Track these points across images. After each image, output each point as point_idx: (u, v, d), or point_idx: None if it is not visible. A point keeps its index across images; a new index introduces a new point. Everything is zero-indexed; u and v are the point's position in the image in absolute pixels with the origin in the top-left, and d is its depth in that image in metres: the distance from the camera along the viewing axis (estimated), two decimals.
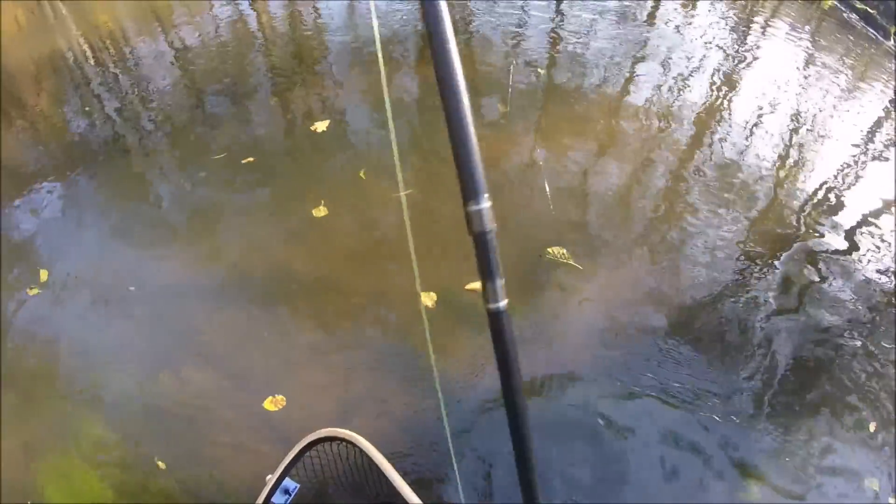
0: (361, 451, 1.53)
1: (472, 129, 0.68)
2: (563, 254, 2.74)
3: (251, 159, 3.44)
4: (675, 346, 2.49)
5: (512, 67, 3.83)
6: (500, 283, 0.74)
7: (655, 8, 4.72)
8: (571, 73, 3.92)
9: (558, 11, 4.52)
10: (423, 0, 0.65)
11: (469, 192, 0.70)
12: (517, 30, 4.29)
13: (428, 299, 2.50)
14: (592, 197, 3.12)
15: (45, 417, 2.42)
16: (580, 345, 2.50)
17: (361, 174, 3.20)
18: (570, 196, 3.08)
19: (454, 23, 0.75)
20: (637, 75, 3.95)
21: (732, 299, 2.71)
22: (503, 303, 0.74)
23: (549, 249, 2.74)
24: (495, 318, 0.76)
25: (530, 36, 4.21)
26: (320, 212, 3.04)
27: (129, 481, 2.15)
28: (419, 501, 1.45)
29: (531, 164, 3.24)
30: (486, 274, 0.73)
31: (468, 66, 3.56)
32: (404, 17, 4.44)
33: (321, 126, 3.55)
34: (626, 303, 2.64)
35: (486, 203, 0.70)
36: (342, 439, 1.57)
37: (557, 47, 4.09)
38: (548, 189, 2.92)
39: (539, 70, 3.81)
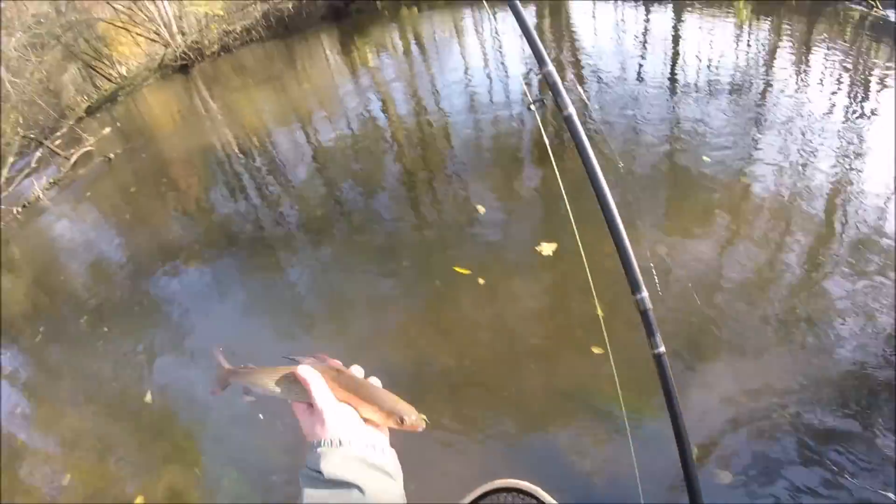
0: None
1: (625, 236, 1.20)
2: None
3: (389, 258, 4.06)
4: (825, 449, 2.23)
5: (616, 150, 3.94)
6: (658, 336, 1.21)
7: (769, 80, 4.78)
8: (684, 152, 4.04)
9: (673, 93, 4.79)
10: (566, 120, 1.19)
11: (632, 285, 1.21)
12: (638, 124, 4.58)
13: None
14: (717, 285, 3.02)
15: None
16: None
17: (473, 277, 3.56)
18: (697, 284, 2.96)
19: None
20: (757, 151, 3.90)
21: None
22: (662, 348, 1.22)
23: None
24: (659, 361, 1.22)
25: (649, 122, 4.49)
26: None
27: None
28: None
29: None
30: (649, 330, 1.22)
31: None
32: (507, 124, 5.10)
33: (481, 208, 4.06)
34: (776, 396, 2.44)
35: (644, 292, 1.20)
36: (524, 492, 1.43)
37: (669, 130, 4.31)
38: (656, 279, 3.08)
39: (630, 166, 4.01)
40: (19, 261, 7.55)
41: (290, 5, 12.82)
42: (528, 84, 4.21)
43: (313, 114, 7.31)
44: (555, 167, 1.40)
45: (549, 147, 1.44)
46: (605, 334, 1.42)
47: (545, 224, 3.79)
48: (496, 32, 7.41)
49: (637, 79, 5.10)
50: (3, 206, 8.94)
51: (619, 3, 7.16)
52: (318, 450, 0.65)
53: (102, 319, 4.98)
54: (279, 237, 4.93)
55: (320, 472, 0.63)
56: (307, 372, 0.72)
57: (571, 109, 1.23)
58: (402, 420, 0.71)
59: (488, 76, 6.20)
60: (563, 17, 7.34)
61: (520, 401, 2.76)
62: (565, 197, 1.36)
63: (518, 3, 1.22)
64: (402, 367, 3.15)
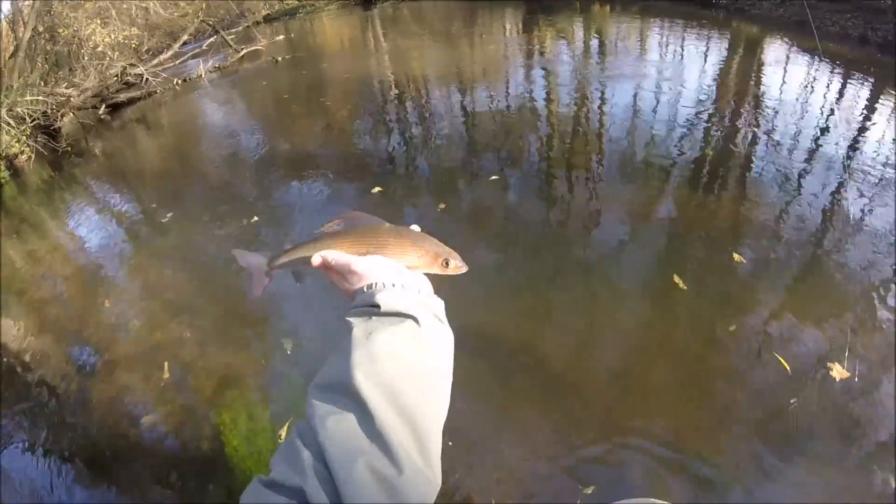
0: None
1: None
2: None
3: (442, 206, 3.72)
4: None
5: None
6: None
7: None
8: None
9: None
10: None
11: None
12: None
13: None
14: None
15: None
16: None
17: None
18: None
19: None
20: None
21: None
22: None
23: None
24: None
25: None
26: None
27: None
28: None
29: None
30: None
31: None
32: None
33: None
34: None
35: None
36: None
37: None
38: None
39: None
40: (164, 126, 8.02)
41: None
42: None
43: (475, 79, 7.05)
44: None
45: None
46: None
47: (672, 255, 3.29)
48: (681, 56, 6.74)
49: (808, 152, 4.28)
50: (165, 76, 9.59)
51: (818, 62, 6.15)
52: (371, 290, 0.63)
53: (218, 196, 5.06)
54: (405, 182, 4.72)
55: (376, 305, 0.60)
56: (326, 255, 0.69)
57: None
58: (447, 263, 0.70)
59: (658, 94, 5.59)
60: (756, 59, 6.53)
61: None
62: None
63: None
64: (490, 343, 2.87)
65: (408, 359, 0.57)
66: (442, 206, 4.04)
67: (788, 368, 2.45)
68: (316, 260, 0.69)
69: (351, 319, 0.61)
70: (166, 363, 3.24)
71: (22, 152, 7.22)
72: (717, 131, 4.71)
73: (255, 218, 4.42)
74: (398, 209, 4.26)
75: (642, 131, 4.82)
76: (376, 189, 4.47)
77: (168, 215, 4.85)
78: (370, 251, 0.69)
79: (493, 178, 4.37)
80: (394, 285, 0.63)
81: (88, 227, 5.20)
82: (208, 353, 3.26)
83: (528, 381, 2.65)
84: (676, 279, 3.03)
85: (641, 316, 2.92)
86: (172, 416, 2.96)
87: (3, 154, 7.05)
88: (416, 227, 0.74)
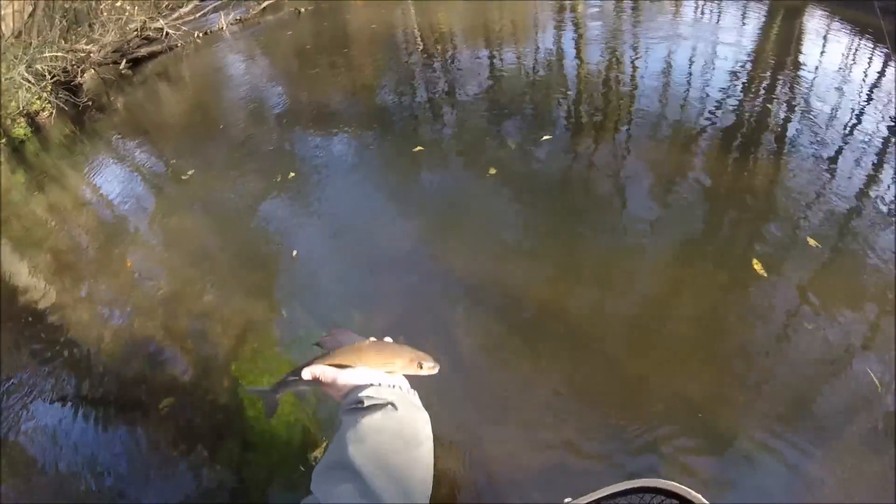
0: None
1: None
2: None
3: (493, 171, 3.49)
4: None
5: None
6: None
7: None
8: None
9: None
10: None
11: None
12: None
13: None
14: None
15: None
16: None
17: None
18: None
19: None
20: None
21: None
22: None
23: None
24: None
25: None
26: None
27: None
28: None
29: None
30: None
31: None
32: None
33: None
34: None
35: None
36: (680, 497, 1.18)
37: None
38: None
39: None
40: (186, 80, 7.78)
41: None
42: None
43: (504, 37, 6.53)
44: None
45: None
46: None
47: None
48: (717, 24, 5.91)
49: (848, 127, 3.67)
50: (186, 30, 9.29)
51: (859, 39, 5.07)
52: (355, 392, 0.75)
53: (238, 149, 4.85)
54: (428, 139, 4.43)
55: (360, 401, 0.72)
56: (314, 371, 0.82)
57: None
58: (420, 365, 0.83)
59: (692, 59, 4.93)
60: (797, 28, 5.61)
61: None
62: None
63: None
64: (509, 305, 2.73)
65: (389, 434, 0.68)
66: (492, 171, 3.73)
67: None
68: (306, 375, 0.83)
69: (343, 417, 0.73)
70: (184, 312, 3.14)
71: (43, 109, 7.10)
72: (752, 100, 4.21)
73: (292, 174, 4.23)
74: (442, 168, 4.04)
75: (676, 93, 4.36)
76: (418, 148, 4.20)
77: (189, 172, 4.69)
78: (355, 364, 0.82)
79: (515, 139, 4.06)
80: (373, 384, 0.76)
81: (109, 180, 5.09)
82: (229, 303, 3.15)
83: (560, 345, 2.49)
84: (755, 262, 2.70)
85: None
86: (191, 364, 2.86)
87: (25, 111, 6.94)
88: (389, 339, 0.87)
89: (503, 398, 2.31)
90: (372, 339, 0.87)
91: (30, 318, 3.49)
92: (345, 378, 0.79)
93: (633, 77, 4.74)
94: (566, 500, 1.46)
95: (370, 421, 0.69)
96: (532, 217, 3.31)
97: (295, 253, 3.38)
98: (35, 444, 2.65)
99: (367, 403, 0.71)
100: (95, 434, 2.62)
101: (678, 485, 1.17)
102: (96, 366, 2.98)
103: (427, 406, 0.77)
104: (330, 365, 0.82)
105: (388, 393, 0.74)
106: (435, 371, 0.83)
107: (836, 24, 5.29)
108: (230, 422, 2.51)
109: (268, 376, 2.63)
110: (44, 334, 3.34)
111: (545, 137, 3.96)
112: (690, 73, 4.63)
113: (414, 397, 0.78)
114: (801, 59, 4.66)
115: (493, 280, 2.85)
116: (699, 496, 1.13)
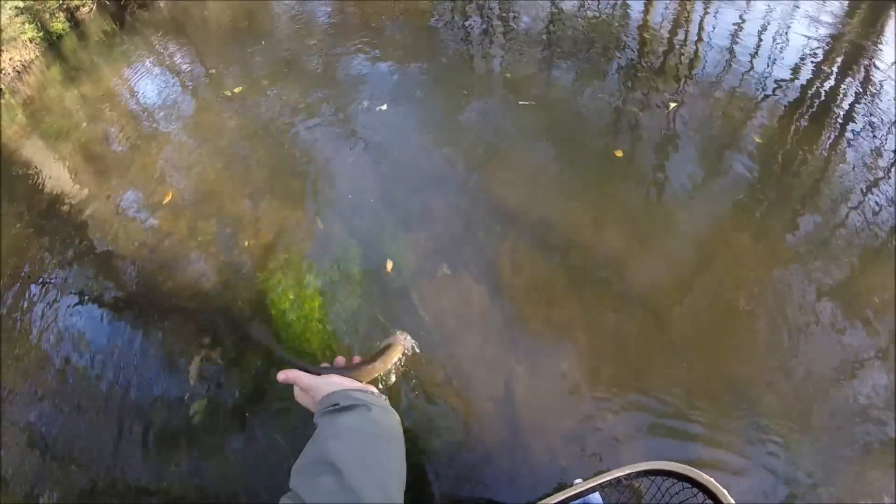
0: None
1: None
2: None
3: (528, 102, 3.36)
4: None
5: None
6: None
7: None
8: None
9: None
10: None
11: None
12: None
13: None
14: None
15: None
16: None
17: None
18: None
19: None
20: None
21: None
22: None
23: None
24: None
25: None
26: None
27: None
28: None
29: None
30: None
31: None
32: None
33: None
34: None
35: None
36: (693, 481, 1.21)
37: None
38: None
39: None
40: None
41: None
42: None
43: None
44: None
45: None
46: None
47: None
48: None
49: None
50: None
51: None
52: (330, 397, 0.82)
53: (282, 64, 4.73)
54: (480, 72, 4.25)
55: (335, 403, 0.79)
56: (289, 375, 0.89)
57: None
58: (385, 363, 0.95)
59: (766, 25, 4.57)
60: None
61: None
62: None
63: None
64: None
65: (364, 432, 0.76)
66: (513, 101, 3.64)
67: None
68: (280, 377, 0.89)
69: (319, 420, 0.80)
70: (213, 217, 3.12)
71: (84, 4, 6.94)
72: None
73: (333, 93, 4.08)
74: (460, 99, 3.87)
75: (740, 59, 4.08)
76: (467, 79, 4.06)
77: (229, 81, 4.59)
78: (329, 375, 0.89)
79: (568, 85, 3.88)
80: (346, 389, 0.83)
81: (145, 80, 4.99)
82: (259, 208, 3.14)
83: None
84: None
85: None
86: (219, 269, 2.85)
87: (64, 5, 6.79)
88: (358, 358, 0.95)
89: (539, 345, 2.27)
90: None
91: (60, 211, 3.52)
92: (317, 382, 0.86)
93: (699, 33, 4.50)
94: (576, 480, 1.52)
95: (347, 420, 0.77)
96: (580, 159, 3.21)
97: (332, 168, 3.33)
98: (61, 339, 2.72)
99: (343, 404, 0.78)
100: (112, 329, 2.69)
101: (690, 468, 1.21)
102: (119, 261, 3.02)
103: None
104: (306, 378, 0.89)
105: (362, 396, 0.81)
106: (395, 359, 0.96)
107: None
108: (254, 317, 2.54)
109: (295, 288, 2.63)
110: (64, 227, 3.38)
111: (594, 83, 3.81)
112: (760, 40, 4.36)
113: (385, 401, 0.86)
114: (884, 40, 4.34)
115: (544, 220, 2.81)
116: (711, 479, 1.17)
